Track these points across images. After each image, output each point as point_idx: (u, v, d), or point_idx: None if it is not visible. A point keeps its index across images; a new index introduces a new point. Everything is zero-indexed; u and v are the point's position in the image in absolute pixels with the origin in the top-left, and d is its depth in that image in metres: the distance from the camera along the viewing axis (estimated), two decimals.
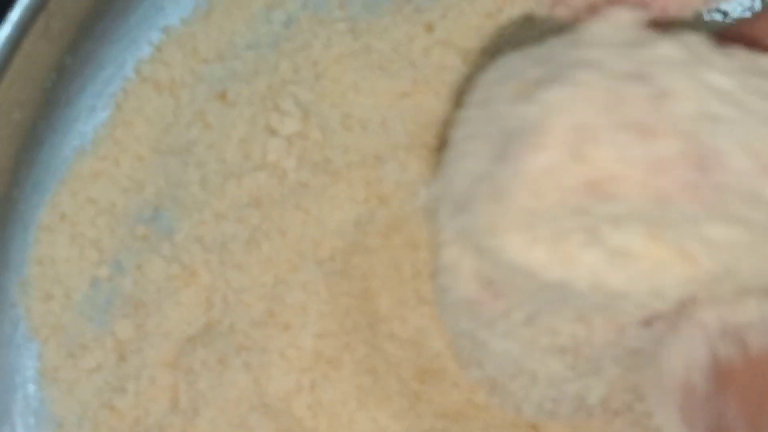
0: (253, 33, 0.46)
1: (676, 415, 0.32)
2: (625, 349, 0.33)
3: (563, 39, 0.34)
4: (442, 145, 0.42)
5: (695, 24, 0.41)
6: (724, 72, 0.32)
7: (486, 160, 0.32)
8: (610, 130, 0.31)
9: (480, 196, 0.32)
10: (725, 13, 0.45)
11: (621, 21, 0.33)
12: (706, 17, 0.45)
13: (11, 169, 0.44)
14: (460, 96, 0.43)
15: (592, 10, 0.34)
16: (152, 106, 0.45)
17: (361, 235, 0.42)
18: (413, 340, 0.41)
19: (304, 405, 0.41)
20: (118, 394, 0.42)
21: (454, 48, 0.44)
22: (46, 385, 0.43)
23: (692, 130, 0.31)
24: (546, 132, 0.31)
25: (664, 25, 0.34)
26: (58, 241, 0.44)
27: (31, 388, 0.44)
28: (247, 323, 0.41)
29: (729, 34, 0.34)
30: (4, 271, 0.44)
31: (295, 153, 0.43)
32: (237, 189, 0.43)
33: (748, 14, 0.45)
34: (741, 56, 0.32)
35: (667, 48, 0.32)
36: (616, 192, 0.30)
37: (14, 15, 0.41)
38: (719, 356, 0.31)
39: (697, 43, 0.33)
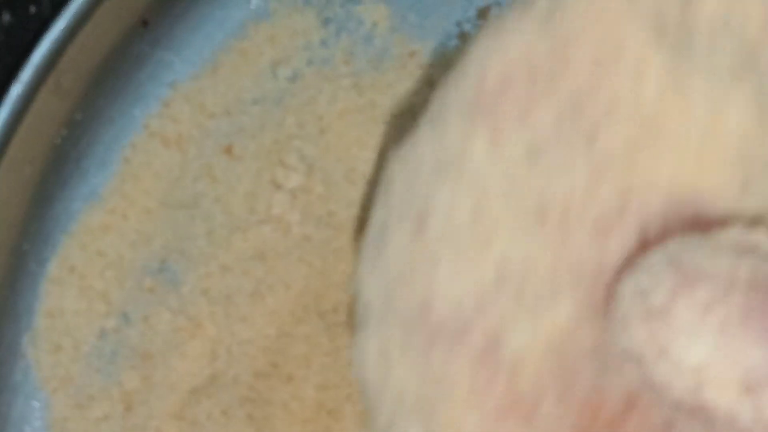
0: (259, 88, 0.46)
1: None
2: None
3: None
4: None
5: None
6: None
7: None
8: None
9: None
10: None
11: None
12: None
13: (21, 222, 0.45)
14: None
15: None
16: (160, 160, 0.46)
17: None
18: None
19: None
20: None
21: None
22: None
23: None
24: None
25: None
26: (67, 293, 0.45)
27: None
28: (250, 375, 0.42)
29: None
30: (14, 323, 0.45)
31: (299, 207, 0.44)
32: (242, 242, 0.44)
33: None
34: None
35: None
36: None
37: (25, 74, 0.42)
38: None
39: None
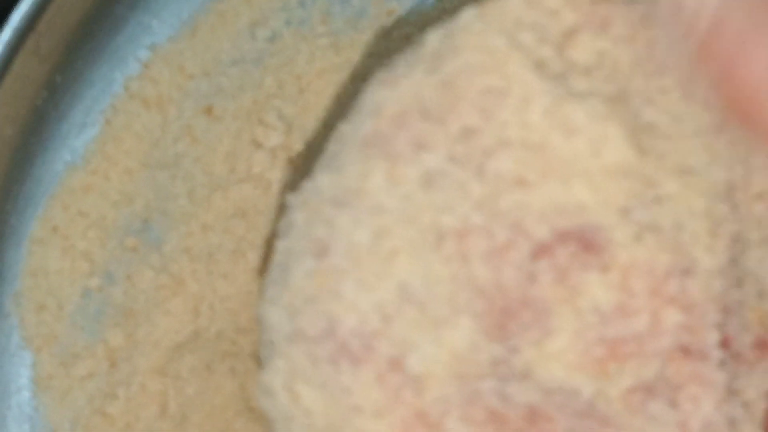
0: (238, 49, 0.47)
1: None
2: None
3: None
4: None
5: None
6: None
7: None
8: None
9: None
10: None
11: None
12: None
13: (3, 184, 0.45)
14: None
15: None
16: (141, 121, 0.46)
17: None
18: None
19: None
20: (110, 401, 0.43)
21: None
22: (39, 393, 0.45)
23: None
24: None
25: None
26: (50, 253, 0.45)
27: (25, 396, 0.45)
28: (232, 331, 0.43)
29: None
30: None
31: (279, 165, 0.45)
32: (223, 201, 0.45)
33: None
34: None
35: None
36: None
37: (4, 36, 0.42)
38: None
39: None
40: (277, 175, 0.45)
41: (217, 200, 0.45)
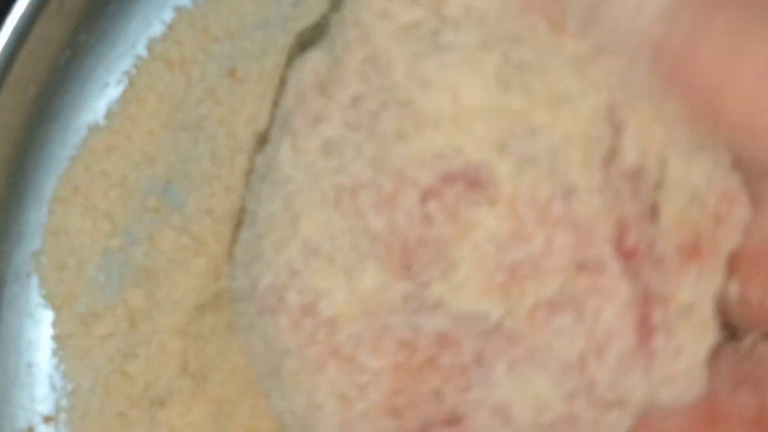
0: (262, 12, 0.47)
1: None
2: None
3: None
4: None
5: None
6: None
7: None
8: None
9: None
10: None
11: None
12: None
13: (25, 143, 0.45)
14: None
15: None
16: (164, 82, 0.46)
17: None
18: None
19: None
20: (130, 360, 0.43)
21: None
22: (60, 351, 0.45)
23: None
24: None
25: None
26: (72, 213, 0.45)
27: (46, 354, 0.45)
28: None
29: None
30: (19, 243, 0.45)
31: None
32: (245, 163, 0.44)
33: None
34: None
35: None
36: None
37: None
38: None
39: None
40: None
41: (239, 162, 0.44)
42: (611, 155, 0.33)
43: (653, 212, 0.33)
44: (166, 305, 0.43)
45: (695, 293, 0.34)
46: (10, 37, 0.42)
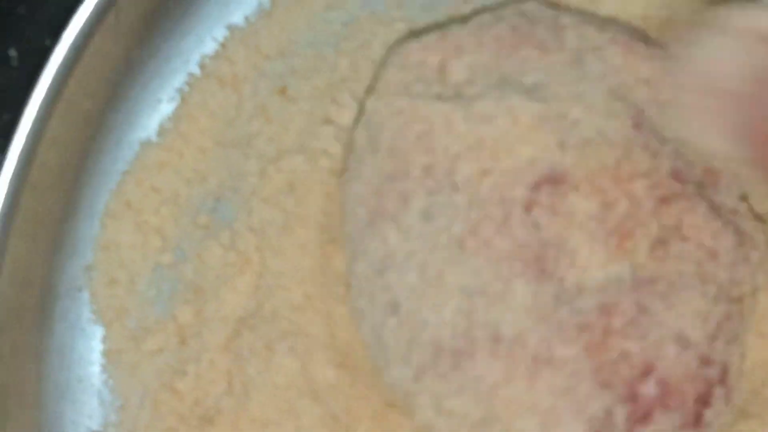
0: (313, 32, 0.47)
1: (706, 118, 0.37)
2: None
3: None
4: None
5: None
6: None
7: None
8: None
9: None
10: None
11: None
12: None
13: (79, 158, 0.45)
14: None
15: None
16: (216, 100, 0.46)
17: None
18: None
19: None
20: (179, 376, 0.44)
21: None
22: (109, 366, 0.45)
23: None
24: None
25: None
26: (123, 228, 0.46)
27: (96, 369, 0.45)
28: (287, 309, 0.43)
29: None
30: (71, 257, 0.46)
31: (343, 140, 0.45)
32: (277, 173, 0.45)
33: None
34: None
35: None
36: None
37: (84, 10, 0.43)
38: (757, 58, 0.35)
39: None
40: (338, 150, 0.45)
41: (283, 179, 0.45)
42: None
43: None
44: (213, 322, 0.44)
45: (733, 198, 0.40)
46: (68, 52, 0.43)
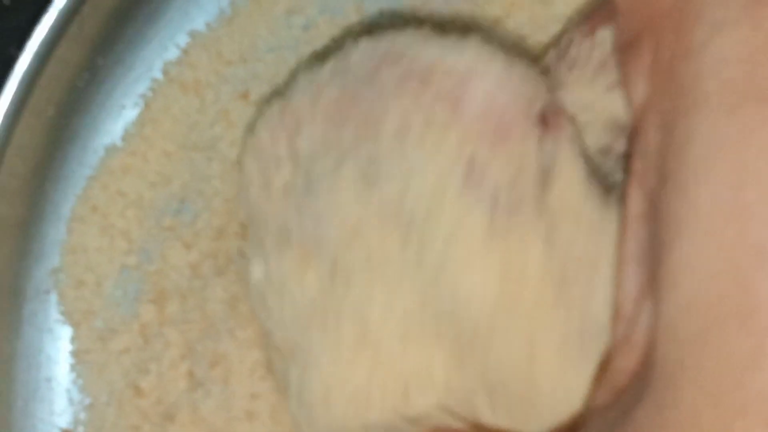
0: (274, 36, 0.48)
1: None
2: None
3: None
4: None
5: None
6: None
7: None
8: None
9: None
10: None
11: None
12: None
13: (45, 164, 0.46)
14: None
15: None
16: (179, 105, 0.47)
17: None
18: None
19: None
20: (143, 375, 0.45)
21: None
22: (78, 366, 0.46)
23: None
24: None
25: None
26: (90, 231, 0.47)
27: (64, 369, 0.46)
28: None
29: None
30: (39, 260, 0.47)
31: None
32: None
33: None
34: None
35: None
36: None
37: (48, 19, 0.44)
38: None
39: None
40: None
41: (234, 175, 0.46)
42: None
43: None
44: (176, 322, 0.45)
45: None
46: (32, 60, 0.44)
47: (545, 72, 0.40)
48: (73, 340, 0.46)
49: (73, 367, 0.46)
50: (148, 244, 0.46)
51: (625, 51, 0.36)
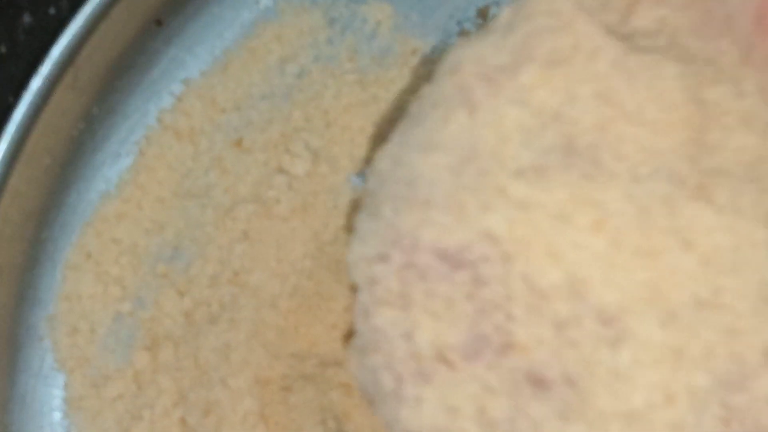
0: (267, 84, 0.48)
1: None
2: None
3: None
4: None
5: None
6: None
7: None
8: None
9: None
10: None
11: None
12: None
13: (40, 211, 0.47)
14: None
15: None
16: (173, 152, 0.48)
17: None
18: None
19: None
20: (136, 422, 0.45)
21: None
22: (71, 413, 0.46)
23: None
24: None
25: None
26: (84, 278, 0.47)
27: (57, 416, 0.47)
28: None
29: None
30: (33, 307, 0.47)
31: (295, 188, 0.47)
32: (232, 222, 0.47)
33: None
34: None
35: None
36: None
37: (44, 69, 0.44)
38: None
39: None
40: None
41: (235, 228, 0.46)
42: None
43: None
44: (169, 369, 0.45)
45: None
46: (27, 109, 0.44)
47: None
48: (66, 386, 0.46)
49: (66, 414, 0.46)
50: (142, 291, 0.47)
51: None
